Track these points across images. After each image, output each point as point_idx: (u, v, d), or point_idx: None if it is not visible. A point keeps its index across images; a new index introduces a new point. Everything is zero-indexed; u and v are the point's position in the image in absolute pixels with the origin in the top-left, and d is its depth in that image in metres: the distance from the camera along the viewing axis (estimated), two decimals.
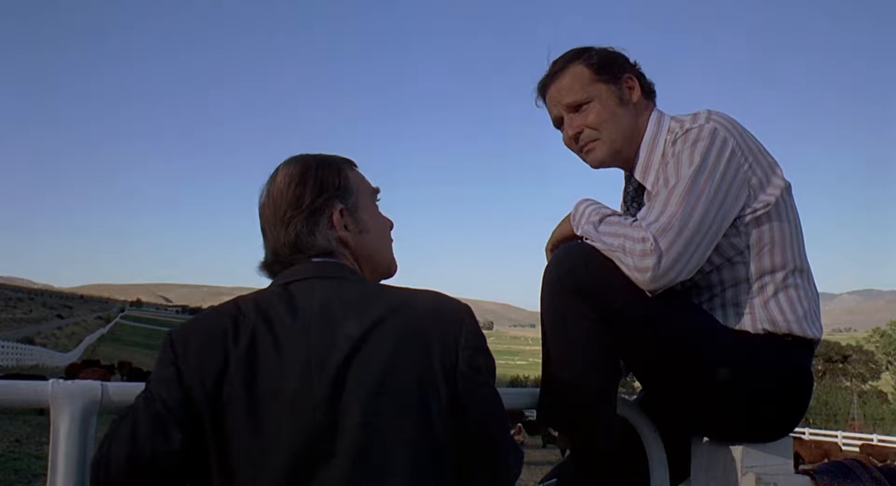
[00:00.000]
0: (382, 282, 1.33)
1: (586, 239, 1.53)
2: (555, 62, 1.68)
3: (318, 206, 1.24)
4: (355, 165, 1.34)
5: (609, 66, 1.64)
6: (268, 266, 1.27)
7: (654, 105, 1.68)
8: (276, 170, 1.29)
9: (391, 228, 1.38)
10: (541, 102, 1.71)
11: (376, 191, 1.36)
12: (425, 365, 1.11)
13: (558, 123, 1.68)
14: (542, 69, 1.70)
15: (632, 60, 1.68)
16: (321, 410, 1.06)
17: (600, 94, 1.62)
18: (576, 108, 1.63)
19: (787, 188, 1.56)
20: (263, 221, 1.27)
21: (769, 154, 1.56)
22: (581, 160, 1.69)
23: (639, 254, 1.42)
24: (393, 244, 1.37)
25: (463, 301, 1.22)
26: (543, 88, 1.69)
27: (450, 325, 1.15)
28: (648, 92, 1.67)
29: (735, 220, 1.51)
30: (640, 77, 1.67)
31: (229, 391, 1.08)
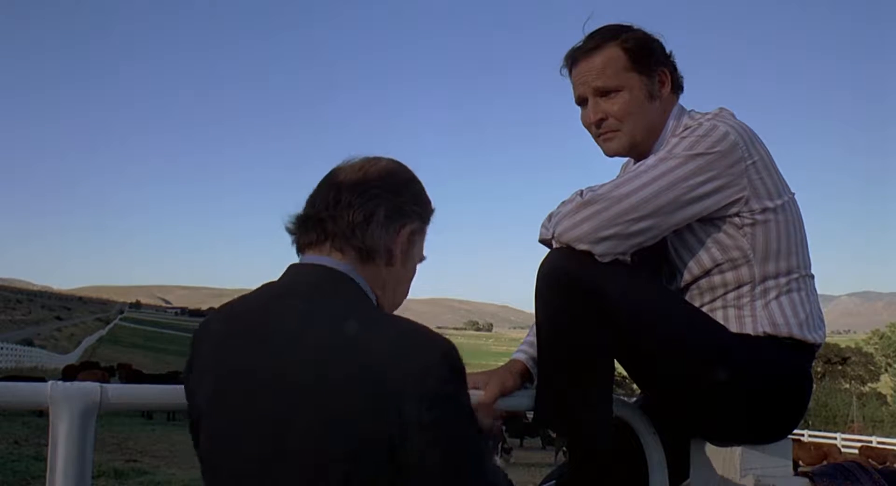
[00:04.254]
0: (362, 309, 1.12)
1: (553, 239, 1.52)
2: (591, 36, 1.62)
3: (405, 209, 1.16)
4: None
5: (646, 57, 1.60)
6: (304, 225, 1.15)
7: (678, 99, 1.66)
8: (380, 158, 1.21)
9: (403, 295, 1.25)
10: (565, 72, 1.66)
11: (423, 258, 1.26)
12: (352, 420, 0.95)
13: (581, 101, 1.64)
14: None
15: (668, 50, 1.64)
16: (241, 434, 1.03)
17: (632, 85, 1.59)
18: (603, 93, 1.60)
19: (793, 197, 1.58)
20: (334, 179, 1.16)
21: (778, 168, 1.56)
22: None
23: (568, 203, 1.49)
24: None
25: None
26: (573, 61, 1.64)
27: (398, 376, 0.95)
28: (677, 87, 1.65)
29: (735, 218, 1.51)
30: (673, 71, 1.64)
31: (200, 396, 1.11)
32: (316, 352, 0.99)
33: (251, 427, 1.00)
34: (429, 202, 1.24)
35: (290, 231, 1.17)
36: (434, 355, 0.97)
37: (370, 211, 1.12)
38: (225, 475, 1.05)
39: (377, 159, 1.20)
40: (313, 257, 1.13)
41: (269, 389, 1.00)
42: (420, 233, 1.21)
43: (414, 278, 1.26)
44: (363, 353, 0.97)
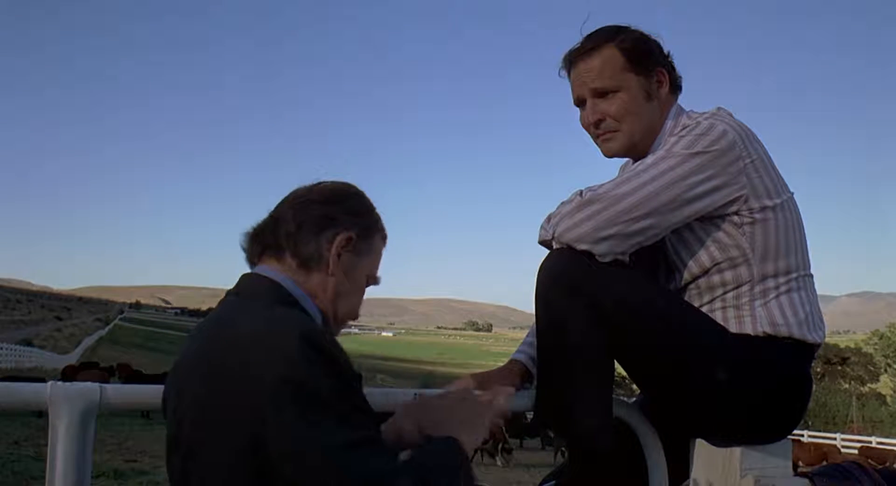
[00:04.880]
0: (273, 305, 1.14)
1: (553, 239, 1.52)
2: (588, 37, 1.62)
3: (338, 217, 1.21)
4: (385, 241, 1.30)
5: (643, 57, 1.60)
6: (250, 240, 1.23)
7: (676, 99, 1.66)
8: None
9: (352, 317, 1.28)
10: (563, 73, 1.67)
11: (375, 279, 1.29)
12: (224, 408, 1.01)
13: (580, 102, 1.65)
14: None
15: (665, 50, 1.64)
16: (172, 432, 1.11)
17: (630, 85, 1.59)
18: (601, 94, 1.60)
19: (792, 197, 1.58)
20: (284, 199, 1.24)
21: (776, 167, 1.57)
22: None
23: (568, 204, 1.49)
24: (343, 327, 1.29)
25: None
26: (570, 63, 1.64)
27: (254, 362, 1.00)
28: (675, 87, 1.65)
29: (734, 217, 1.51)
30: (671, 71, 1.64)
31: None
32: (198, 352, 1.10)
33: (171, 418, 1.11)
34: (369, 214, 1.26)
35: (242, 247, 1.25)
36: (285, 343, 1.00)
37: (301, 220, 1.19)
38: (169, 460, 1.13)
39: (329, 182, 1.27)
40: (256, 267, 1.22)
41: (174, 382, 1.13)
42: (362, 243, 1.23)
43: (363, 296, 1.28)
44: (228, 348, 1.04)
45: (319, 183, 1.26)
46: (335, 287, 1.20)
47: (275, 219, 1.22)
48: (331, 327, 1.24)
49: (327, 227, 1.20)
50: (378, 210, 1.30)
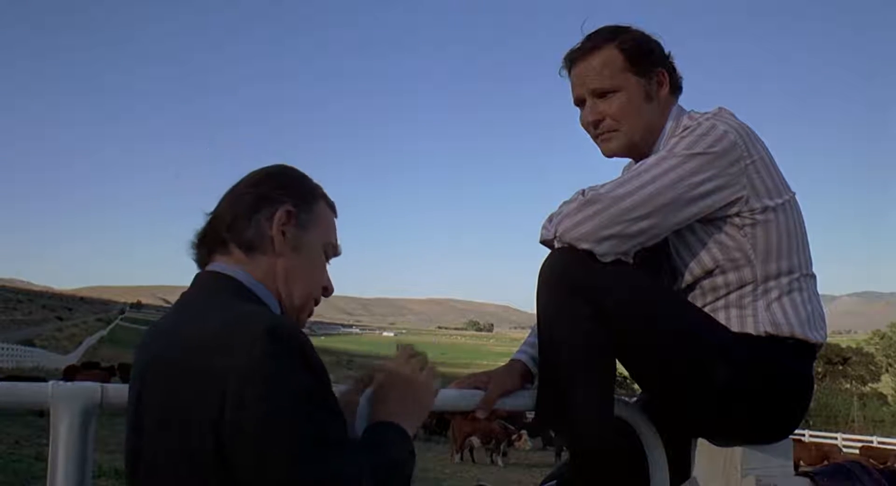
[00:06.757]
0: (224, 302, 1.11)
1: (555, 239, 1.52)
2: (588, 37, 1.63)
3: (269, 195, 1.17)
4: (333, 208, 1.26)
5: (643, 58, 1.60)
6: (195, 246, 1.21)
7: (677, 100, 1.66)
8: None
9: (325, 292, 1.24)
10: (564, 73, 1.67)
11: (334, 247, 1.25)
12: (188, 407, 0.98)
13: (579, 102, 1.66)
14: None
15: (666, 51, 1.65)
16: (130, 440, 1.08)
17: (629, 86, 1.59)
18: (601, 94, 1.60)
19: (794, 197, 1.58)
20: (224, 195, 1.22)
21: (778, 167, 1.57)
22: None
23: (570, 203, 1.48)
24: (315, 306, 1.24)
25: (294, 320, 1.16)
26: (571, 62, 1.65)
27: (220, 360, 0.97)
28: (676, 87, 1.66)
29: (735, 219, 1.51)
30: (672, 72, 1.64)
31: None
32: (158, 354, 1.06)
33: (132, 415, 1.09)
34: (302, 184, 1.22)
35: (191, 257, 1.22)
36: (250, 337, 0.96)
37: (236, 211, 1.17)
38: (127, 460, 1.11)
39: (261, 168, 1.24)
40: (209, 265, 1.18)
41: (134, 389, 1.10)
42: (304, 215, 1.19)
43: (326, 269, 1.24)
44: (191, 348, 1.00)
45: (252, 172, 1.24)
46: (286, 268, 1.16)
47: (212, 218, 1.20)
48: (289, 314, 1.18)
49: (262, 207, 1.16)
50: (314, 179, 1.25)
